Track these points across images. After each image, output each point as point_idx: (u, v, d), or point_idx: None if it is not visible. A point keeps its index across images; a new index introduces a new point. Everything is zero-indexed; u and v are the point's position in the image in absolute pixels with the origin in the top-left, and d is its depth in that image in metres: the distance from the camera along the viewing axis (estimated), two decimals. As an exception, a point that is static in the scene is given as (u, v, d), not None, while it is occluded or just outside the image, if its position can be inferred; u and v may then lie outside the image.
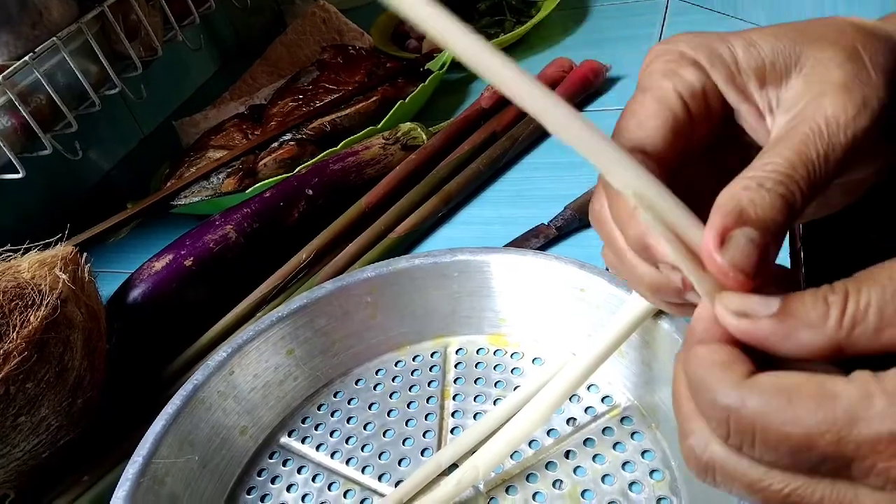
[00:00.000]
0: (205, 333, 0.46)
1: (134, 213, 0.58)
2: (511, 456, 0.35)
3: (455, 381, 0.40)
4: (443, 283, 0.41)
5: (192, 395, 0.37)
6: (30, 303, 0.37)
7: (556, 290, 0.38)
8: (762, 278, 0.18)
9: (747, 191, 0.19)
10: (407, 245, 0.51)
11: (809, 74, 0.21)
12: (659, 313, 0.33)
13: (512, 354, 0.41)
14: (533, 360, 0.40)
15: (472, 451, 0.35)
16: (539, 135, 0.56)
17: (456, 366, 0.41)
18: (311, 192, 0.53)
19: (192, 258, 0.49)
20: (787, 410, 0.16)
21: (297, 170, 0.56)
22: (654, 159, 0.22)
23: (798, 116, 0.21)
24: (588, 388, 0.37)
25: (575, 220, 0.47)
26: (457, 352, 0.42)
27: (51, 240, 0.45)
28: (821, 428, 0.16)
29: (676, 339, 0.32)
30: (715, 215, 0.19)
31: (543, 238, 0.47)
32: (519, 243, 0.47)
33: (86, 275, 0.43)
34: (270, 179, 0.56)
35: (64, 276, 0.40)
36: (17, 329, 0.37)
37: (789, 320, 0.17)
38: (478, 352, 0.41)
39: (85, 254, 0.43)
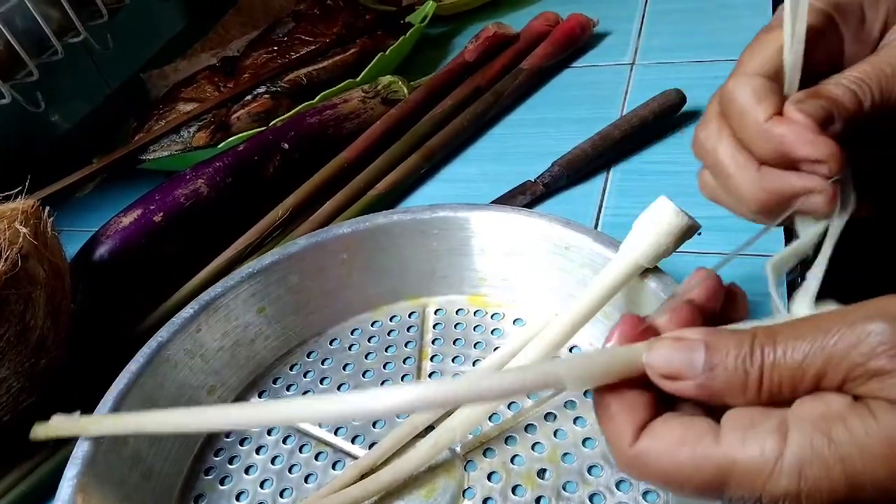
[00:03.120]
0: (176, 292, 0.45)
1: (99, 169, 0.56)
2: (489, 418, 0.34)
3: (433, 341, 0.39)
4: (422, 240, 0.39)
5: (157, 354, 0.35)
6: (-15, 256, 0.34)
7: (540, 249, 0.37)
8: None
9: (827, 82, 0.24)
10: (387, 203, 0.49)
11: None
12: (645, 272, 0.32)
13: (492, 315, 0.39)
14: (514, 321, 0.39)
15: (449, 414, 0.34)
16: (525, 90, 0.54)
17: (434, 326, 0.40)
18: (286, 146, 0.50)
19: (161, 213, 0.47)
20: (667, 470, 0.19)
21: (271, 124, 0.54)
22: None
23: (884, 51, 0.24)
24: (570, 349, 0.36)
25: (563, 177, 0.46)
26: (435, 312, 0.40)
27: (10, 192, 0.42)
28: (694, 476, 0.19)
29: (662, 297, 0.31)
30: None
31: (530, 195, 0.45)
32: (504, 200, 0.46)
33: (49, 230, 0.40)
34: (244, 133, 0.54)
35: (25, 231, 0.38)
36: (-29, 284, 0.35)
37: (712, 388, 0.20)
38: (457, 312, 0.40)
39: (47, 208, 0.41)
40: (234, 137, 0.54)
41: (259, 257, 0.39)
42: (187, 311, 0.36)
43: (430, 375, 0.37)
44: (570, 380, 0.21)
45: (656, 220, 0.30)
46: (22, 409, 0.37)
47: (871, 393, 0.18)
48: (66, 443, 0.37)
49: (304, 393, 0.37)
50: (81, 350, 0.42)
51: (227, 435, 0.36)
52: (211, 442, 0.36)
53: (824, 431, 0.17)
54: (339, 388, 0.37)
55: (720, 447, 0.18)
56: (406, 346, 0.39)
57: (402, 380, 0.37)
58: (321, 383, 0.38)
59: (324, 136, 0.52)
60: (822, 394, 0.18)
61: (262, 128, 0.54)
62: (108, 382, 0.34)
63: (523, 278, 0.38)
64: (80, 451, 0.31)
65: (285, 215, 0.47)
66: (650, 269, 0.32)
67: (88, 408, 0.37)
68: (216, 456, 0.35)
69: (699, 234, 0.41)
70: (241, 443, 0.35)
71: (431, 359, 0.38)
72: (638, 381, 0.21)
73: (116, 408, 0.32)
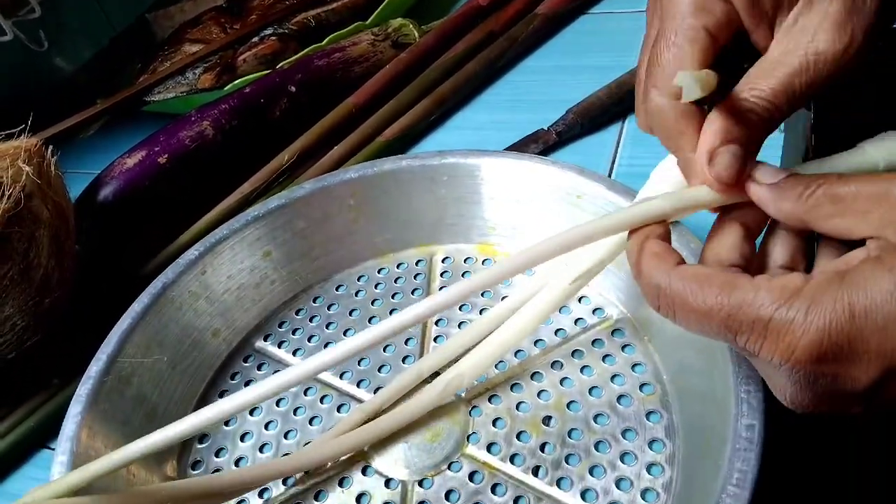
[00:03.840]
0: (180, 235, 0.44)
1: (103, 110, 0.55)
2: (496, 365, 0.33)
3: (440, 289, 0.38)
4: (431, 187, 0.39)
5: (161, 294, 0.34)
6: (-11, 194, 0.34)
7: (551, 197, 0.36)
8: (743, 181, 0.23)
9: (738, 110, 0.22)
10: (396, 150, 0.48)
11: (812, 2, 0.23)
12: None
13: (501, 264, 0.39)
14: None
15: (456, 361, 0.34)
16: (540, 36, 0.52)
17: (441, 274, 0.39)
18: (293, 89, 0.49)
19: (166, 155, 0.46)
20: (697, 292, 0.21)
21: (278, 66, 0.52)
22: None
23: (791, 47, 0.23)
24: (579, 299, 0.36)
25: (577, 126, 0.44)
26: (443, 260, 0.40)
27: (12, 131, 0.42)
28: (716, 307, 0.20)
29: (678, 247, 0.30)
30: (705, 134, 0.23)
31: (542, 143, 0.44)
32: (516, 148, 0.45)
33: (52, 169, 0.40)
34: (250, 76, 0.52)
35: (28, 169, 0.37)
36: (-27, 220, 0.34)
37: (780, 191, 0.22)
38: (465, 261, 0.39)
39: (51, 147, 0.40)
40: (240, 80, 0.53)
41: (265, 201, 0.39)
42: (192, 253, 0.36)
43: (436, 323, 0.36)
44: (672, 210, 0.24)
45: (675, 169, 0.30)
46: (27, 348, 0.37)
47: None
48: (71, 381, 0.38)
49: (310, 338, 0.37)
50: (86, 291, 0.42)
51: (232, 377, 0.36)
52: (215, 383, 0.36)
53: (840, 276, 0.19)
54: (344, 334, 0.37)
55: (752, 279, 0.20)
56: (412, 293, 0.38)
57: (408, 326, 0.36)
58: (327, 328, 0.37)
59: (332, 80, 0.50)
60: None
61: (268, 70, 0.52)
62: (112, 323, 0.34)
63: (533, 227, 0.38)
64: (83, 390, 0.31)
65: (292, 160, 0.47)
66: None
67: (93, 347, 0.37)
68: (220, 398, 0.35)
69: None
70: (246, 384, 0.35)
71: (438, 306, 0.37)
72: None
73: (120, 348, 0.32)
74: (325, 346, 0.36)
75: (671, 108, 0.24)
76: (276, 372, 0.35)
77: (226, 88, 0.53)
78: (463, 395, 0.32)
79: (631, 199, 0.32)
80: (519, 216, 0.38)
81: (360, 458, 0.31)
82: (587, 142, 0.45)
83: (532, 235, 0.38)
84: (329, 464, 0.31)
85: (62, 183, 0.40)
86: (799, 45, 0.22)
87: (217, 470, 0.32)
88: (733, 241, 0.23)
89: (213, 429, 0.34)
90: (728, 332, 0.20)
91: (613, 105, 0.45)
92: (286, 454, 0.32)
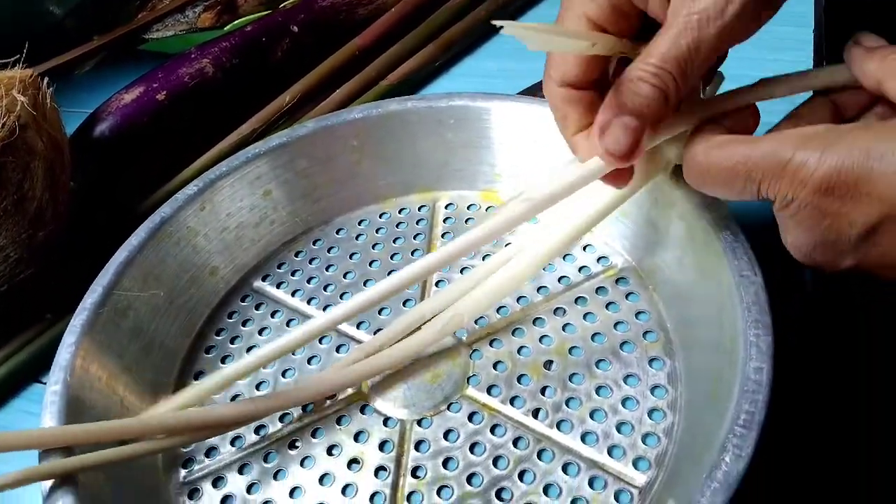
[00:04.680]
0: (177, 174, 0.43)
1: (100, 46, 0.53)
2: (497, 310, 0.33)
3: (443, 235, 0.37)
4: (437, 130, 0.38)
5: (159, 228, 0.34)
6: (-17, 122, 0.33)
7: (561, 144, 0.35)
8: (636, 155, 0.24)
9: (628, 82, 0.23)
10: (400, 95, 0.46)
11: None
12: (675, 168, 0.30)
13: (505, 211, 0.38)
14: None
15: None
16: (551, -16, 0.51)
17: (444, 220, 0.38)
18: (296, 28, 0.48)
19: (164, 92, 0.45)
20: (724, 149, 0.23)
21: (281, 6, 0.51)
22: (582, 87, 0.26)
23: (676, 9, 0.22)
24: (584, 247, 0.35)
25: (584, 75, 0.43)
26: (446, 206, 0.39)
27: (6, 60, 0.40)
28: (742, 160, 0.22)
29: (689, 194, 0.29)
30: (600, 111, 0.24)
31: (549, 92, 0.43)
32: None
33: (48, 101, 0.39)
34: (251, 16, 0.51)
35: (23, 99, 0.36)
36: (-34, 147, 0.33)
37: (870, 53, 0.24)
38: (468, 207, 0.39)
39: (46, 79, 0.39)
40: (240, 20, 0.51)
41: (266, 139, 0.38)
42: (191, 189, 0.35)
43: (438, 268, 0.36)
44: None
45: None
46: (19, 281, 0.36)
47: None
48: (64, 316, 0.37)
49: (309, 279, 0.36)
50: (81, 227, 0.41)
51: (230, 315, 0.35)
52: (213, 321, 0.35)
53: (867, 126, 0.21)
54: (344, 277, 0.36)
55: (776, 133, 0.22)
56: (415, 238, 0.38)
57: (409, 271, 0.36)
58: (327, 270, 0.37)
59: (335, 22, 0.49)
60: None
61: (270, 11, 0.51)
62: (108, 259, 0.33)
63: (540, 175, 0.37)
64: (78, 320, 0.30)
65: (293, 102, 0.45)
66: (679, 166, 0.30)
67: (87, 283, 0.37)
68: (217, 335, 0.35)
69: None
70: (244, 324, 0.35)
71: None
72: None
73: (116, 280, 0.32)
74: (325, 287, 0.36)
75: (555, 93, 0.27)
76: (274, 313, 0.35)
77: (226, 28, 0.51)
78: (464, 338, 0.32)
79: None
80: (527, 163, 0.37)
81: (359, 398, 0.31)
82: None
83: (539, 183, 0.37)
84: (327, 402, 0.31)
85: (58, 116, 0.39)
86: (683, 6, 0.22)
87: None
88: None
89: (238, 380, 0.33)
90: (751, 184, 0.22)
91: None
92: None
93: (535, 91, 0.43)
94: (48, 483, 0.24)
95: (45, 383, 0.35)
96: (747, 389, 0.23)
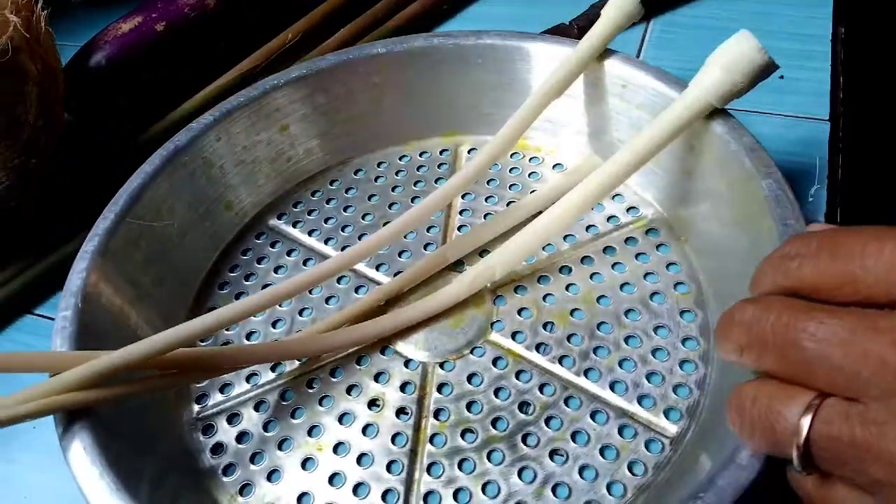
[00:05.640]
0: (174, 110, 0.41)
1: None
2: (523, 257, 0.32)
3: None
4: (463, 70, 0.36)
5: (173, 157, 0.32)
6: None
7: (592, 87, 0.34)
8: None
9: None
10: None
11: None
12: (712, 115, 0.29)
13: (530, 159, 0.37)
14: (553, 167, 0.36)
15: (481, 250, 0.33)
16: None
17: (464, 166, 0.37)
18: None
19: (164, 23, 0.43)
20: None
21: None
22: None
23: None
24: (612, 197, 0.34)
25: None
26: (469, 151, 0.38)
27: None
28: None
29: (728, 141, 0.28)
30: None
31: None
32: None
33: (42, 25, 0.37)
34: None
35: (16, 20, 0.34)
36: (-43, 66, 0.31)
37: None
38: (492, 153, 0.37)
39: (41, 1, 0.37)
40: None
41: (285, 70, 0.36)
42: (207, 118, 0.34)
43: (460, 213, 0.35)
44: None
45: (734, 55, 0.28)
46: (10, 209, 0.35)
47: None
48: (57, 248, 0.36)
49: (326, 220, 0.35)
50: (75, 160, 0.39)
51: (244, 252, 0.34)
52: (226, 257, 0.34)
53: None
54: (362, 218, 0.35)
55: None
56: (436, 182, 0.36)
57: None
58: (344, 211, 0.36)
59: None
60: None
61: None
62: (102, 194, 0.32)
63: (569, 120, 0.36)
64: (90, 246, 0.29)
65: (295, 39, 0.44)
66: (718, 112, 0.29)
67: (80, 217, 0.36)
68: (231, 272, 0.34)
69: (781, 77, 0.38)
70: (259, 261, 0.34)
71: (463, 196, 0.35)
72: None
73: (129, 207, 0.30)
74: (343, 228, 0.35)
75: None
76: (290, 251, 0.34)
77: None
78: (488, 284, 0.31)
79: (680, 90, 0.30)
80: (554, 107, 0.35)
81: (380, 339, 0.30)
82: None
83: (567, 130, 0.36)
84: (346, 342, 0.30)
85: (52, 42, 0.38)
86: None
87: (227, 343, 0.31)
88: None
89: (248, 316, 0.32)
90: None
91: (643, 3, 0.43)
92: (299, 331, 0.30)
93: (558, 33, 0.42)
94: (61, 416, 0.23)
95: (37, 315, 0.35)
96: (793, 338, 0.22)
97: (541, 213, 0.32)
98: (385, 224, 0.34)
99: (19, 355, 0.24)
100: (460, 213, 0.35)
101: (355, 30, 0.44)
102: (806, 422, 0.17)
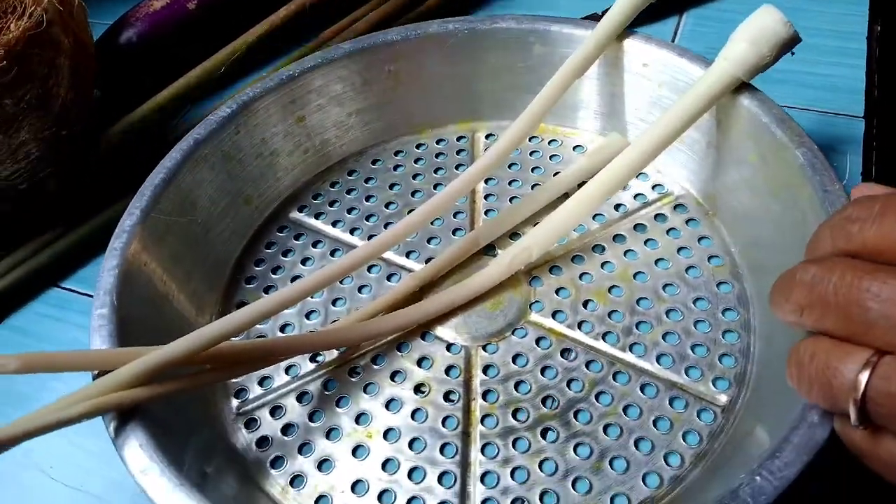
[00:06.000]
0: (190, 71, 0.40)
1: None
2: (555, 238, 0.32)
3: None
4: (479, 55, 0.36)
5: (194, 151, 0.32)
6: (9, 9, 0.30)
7: (611, 67, 0.34)
8: None
9: None
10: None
11: None
12: (739, 89, 0.29)
13: (550, 142, 0.37)
14: (573, 148, 0.36)
15: (511, 233, 0.33)
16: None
17: (486, 150, 0.37)
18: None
19: (195, 1, 0.42)
20: None
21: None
22: None
23: None
24: (636, 175, 0.34)
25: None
26: (486, 137, 0.38)
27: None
28: None
29: (758, 113, 0.29)
30: None
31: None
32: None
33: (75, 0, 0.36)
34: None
35: (51, -8, 0.33)
36: (-5, 33, 0.30)
37: None
38: (510, 138, 0.37)
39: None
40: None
41: (299, 60, 0.35)
42: (224, 111, 0.33)
43: (486, 198, 0.35)
44: None
45: (759, 29, 0.28)
46: (39, 179, 0.34)
47: None
48: (84, 222, 0.35)
49: (349, 210, 0.35)
50: (104, 135, 0.38)
51: (268, 246, 0.34)
52: (250, 252, 0.33)
53: None
54: (386, 207, 0.35)
55: None
56: (456, 168, 0.36)
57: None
58: (367, 201, 0.35)
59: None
60: None
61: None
62: (130, 172, 0.31)
63: (587, 102, 0.36)
64: (118, 243, 0.28)
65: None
66: (745, 86, 0.29)
67: (108, 191, 0.35)
68: (257, 266, 0.33)
69: (792, 53, 0.39)
70: (285, 254, 0.33)
71: (486, 181, 0.35)
72: None
73: (154, 203, 0.29)
74: (367, 218, 0.34)
75: None
76: (315, 243, 0.33)
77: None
78: (521, 266, 0.31)
79: (703, 68, 0.31)
80: (573, 91, 0.36)
81: (417, 325, 0.29)
82: (641, 32, 0.43)
83: (586, 113, 0.36)
84: (384, 330, 0.29)
85: (85, 17, 0.37)
86: None
87: (261, 336, 0.30)
88: None
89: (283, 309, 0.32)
90: None
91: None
92: (335, 321, 0.30)
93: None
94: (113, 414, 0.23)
95: (63, 288, 0.34)
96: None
97: (567, 194, 0.32)
98: (410, 212, 0.34)
99: (63, 355, 0.23)
100: (485, 197, 0.35)
101: (388, 11, 0.44)
102: (864, 378, 0.17)
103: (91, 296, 0.30)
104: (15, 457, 0.27)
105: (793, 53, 0.39)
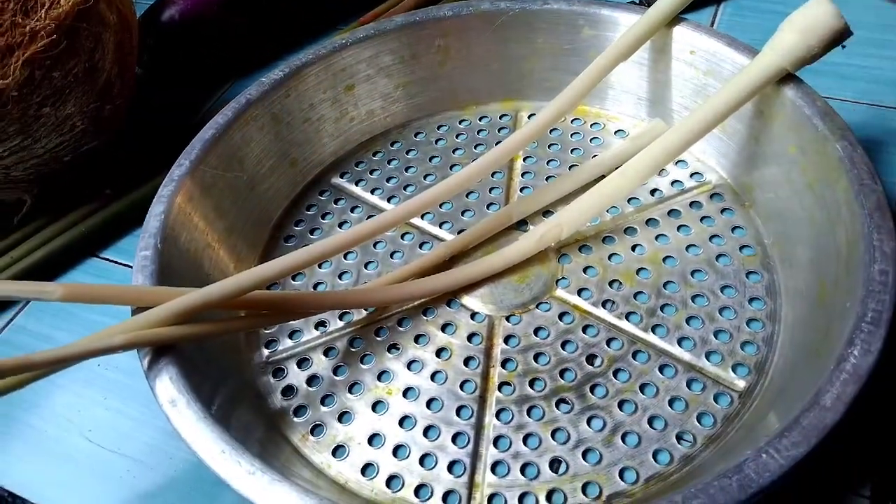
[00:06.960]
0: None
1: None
2: (587, 218, 0.32)
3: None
4: (528, 35, 0.36)
5: (245, 110, 0.33)
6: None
7: (659, 53, 0.34)
8: None
9: None
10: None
11: None
12: (784, 80, 0.29)
13: (592, 124, 0.37)
14: (615, 132, 0.36)
15: (545, 211, 0.33)
16: None
17: (524, 125, 0.37)
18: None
19: None
20: None
21: None
22: None
23: None
24: (676, 162, 0.34)
25: None
26: (529, 117, 0.38)
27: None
28: None
29: (801, 105, 0.28)
30: None
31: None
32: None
33: (120, -24, 0.38)
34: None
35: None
36: (45, 8, 0.32)
37: None
38: (552, 120, 0.37)
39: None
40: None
41: (352, 31, 0.36)
42: (278, 74, 0.34)
43: (522, 175, 0.35)
44: None
45: (810, 20, 0.28)
46: (83, 152, 0.36)
47: None
48: (124, 195, 0.37)
49: (388, 179, 0.36)
50: (145, 110, 0.40)
51: (308, 208, 0.35)
52: (291, 213, 0.35)
53: None
54: (424, 178, 0.36)
55: None
56: (496, 144, 0.37)
57: (491, 176, 0.35)
58: (406, 171, 0.36)
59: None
60: None
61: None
62: (170, 144, 0.32)
63: (632, 87, 0.36)
64: (166, 191, 0.29)
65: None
66: (789, 77, 0.29)
67: (148, 164, 0.36)
68: (297, 226, 0.34)
69: (842, 47, 0.38)
70: (323, 217, 0.34)
71: (524, 159, 0.36)
72: None
73: (203, 156, 0.31)
74: (405, 188, 0.35)
75: None
76: (353, 208, 0.34)
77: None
78: (552, 243, 0.31)
79: (751, 57, 0.30)
80: (619, 74, 0.36)
81: (445, 293, 0.30)
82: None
83: (630, 97, 0.36)
84: (412, 294, 0.30)
85: None
86: None
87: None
88: None
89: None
90: None
91: (717, -22, 0.43)
92: (365, 283, 0.31)
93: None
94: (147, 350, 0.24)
95: (101, 258, 0.36)
96: (873, 290, 0.22)
97: (604, 176, 0.33)
98: (448, 183, 0.35)
99: (106, 287, 0.24)
100: (522, 175, 0.35)
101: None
102: None
103: (130, 266, 0.32)
104: (58, 421, 0.29)
105: (843, 47, 0.39)
